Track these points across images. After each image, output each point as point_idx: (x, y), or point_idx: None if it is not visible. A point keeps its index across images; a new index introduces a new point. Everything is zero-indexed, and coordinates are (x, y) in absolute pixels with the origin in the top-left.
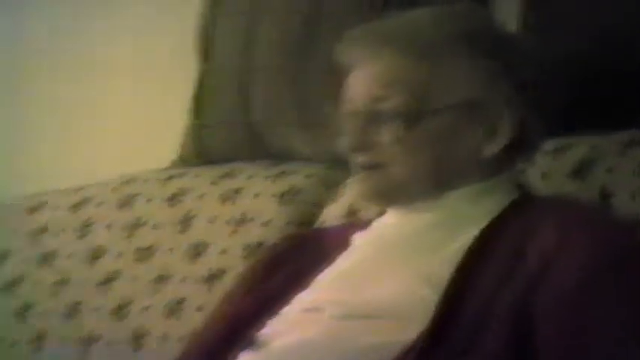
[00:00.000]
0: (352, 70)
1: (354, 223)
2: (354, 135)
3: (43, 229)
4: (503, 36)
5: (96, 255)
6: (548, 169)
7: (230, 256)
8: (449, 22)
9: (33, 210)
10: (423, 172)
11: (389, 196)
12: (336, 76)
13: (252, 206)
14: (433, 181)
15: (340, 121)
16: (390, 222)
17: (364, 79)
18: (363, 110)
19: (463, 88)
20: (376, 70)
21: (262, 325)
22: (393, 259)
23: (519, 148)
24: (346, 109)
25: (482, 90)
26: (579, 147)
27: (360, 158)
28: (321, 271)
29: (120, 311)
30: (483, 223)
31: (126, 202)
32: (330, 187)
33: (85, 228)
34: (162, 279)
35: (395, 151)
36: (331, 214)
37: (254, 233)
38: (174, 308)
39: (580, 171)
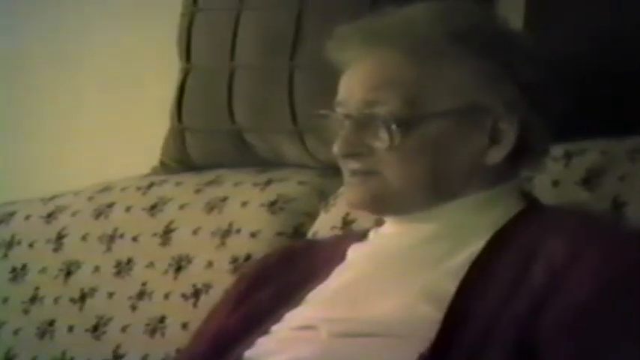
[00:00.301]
0: (343, 70)
1: (350, 234)
2: (345, 140)
3: (14, 242)
4: (506, 34)
5: (70, 269)
6: (559, 177)
7: (216, 270)
8: (446, 19)
9: (2, 220)
10: (420, 181)
11: (383, 204)
12: (326, 75)
13: (240, 216)
14: (431, 189)
15: (332, 125)
16: (389, 233)
17: (357, 80)
18: (355, 114)
19: (462, 90)
20: (369, 71)
21: (250, 343)
22: (392, 273)
23: (524, 155)
24: (338, 112)
25: (483, 92)
26: (590, 153)
27: (351, 165)
28: (314, 286)
29: (97, 330)
30: (488, 235)
31: (102, 212)
32: (323, 196)
33: (59, 240)
34: (142, 295)
35: (390, 158)
36: (324, 225)
37: (241, 245)
38: (156, 327)
39: (591, 179)
